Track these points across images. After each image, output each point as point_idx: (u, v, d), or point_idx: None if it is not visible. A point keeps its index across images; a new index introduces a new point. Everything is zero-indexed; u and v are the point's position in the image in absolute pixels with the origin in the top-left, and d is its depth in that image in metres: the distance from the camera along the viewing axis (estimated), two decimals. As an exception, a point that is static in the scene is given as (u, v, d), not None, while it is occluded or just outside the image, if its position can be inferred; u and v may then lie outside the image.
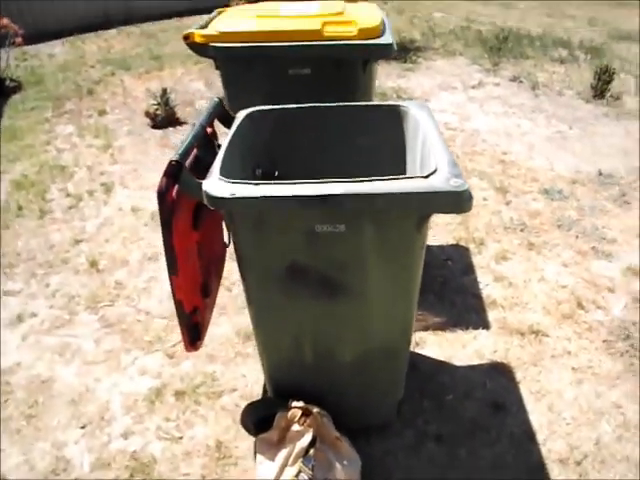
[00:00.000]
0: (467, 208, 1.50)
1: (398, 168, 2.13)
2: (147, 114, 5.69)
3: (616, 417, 2.40)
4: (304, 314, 1.90)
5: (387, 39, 2.50)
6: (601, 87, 6.07)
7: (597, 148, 4.95)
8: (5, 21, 7.90)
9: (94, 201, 4.29)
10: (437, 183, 1.50)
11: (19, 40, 7.96)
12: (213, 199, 1.56)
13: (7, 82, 7.57)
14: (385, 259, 1.69)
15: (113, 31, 10.90)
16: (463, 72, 7.13)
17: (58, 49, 10.04)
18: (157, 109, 5.62)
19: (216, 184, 1.59)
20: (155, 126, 5.63)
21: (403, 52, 7.77)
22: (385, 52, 2.52)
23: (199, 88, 6.83)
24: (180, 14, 11.36)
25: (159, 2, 11.87)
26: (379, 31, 2.53)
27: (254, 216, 1.63)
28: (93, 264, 3.49)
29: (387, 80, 6.73)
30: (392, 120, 2.14)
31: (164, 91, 5.74)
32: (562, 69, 7.20)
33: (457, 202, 1.50)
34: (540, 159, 4.74)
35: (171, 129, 5.59)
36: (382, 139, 2.18)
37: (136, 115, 6.02)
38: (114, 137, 5.51)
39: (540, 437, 2.31)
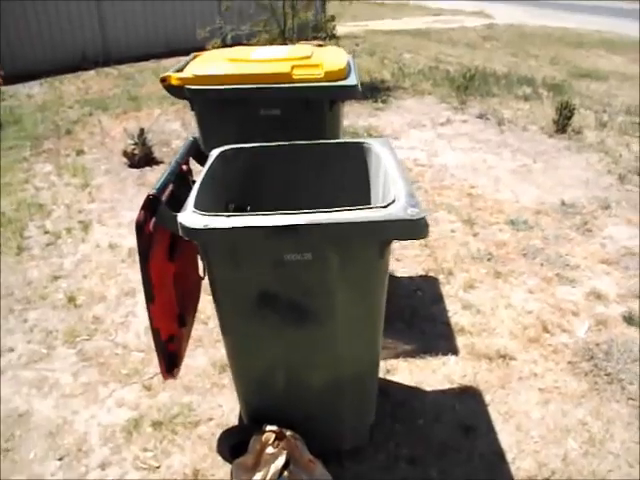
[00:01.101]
0: (423, 235, 1.63)
1: (364, 200, 2.25)
2: (124, 154, 5.80)
3: (582, 434, 2.50)
4: (275, 341, 1.98)
5: (352, 81, 2.66)
6: (563, 122, 6.36)
7: (560, 179, 5.17)
8: (-16, 63, 8.01)
9: (72, 238, 4.35)
10: (395, 212, 1.63)
11: (-2, 80, 8.09)
12: (188, 230, 1.67)
13: (-15, 122, 7.64)
14: (350, 285, 1.80)
15: (91, 72, 11.07)
16: (432, 110, 7.40)
17: (37, 89, 10.16)
18: (134, 149, 5.73)
19: (190, 216, 1.70)
20: (132, 165, 5.74)
21: (374, 92, 8.05)
22: (350, 93, 2.68)
23: (175, 128, 6.97)
24: (157, 56, 11.60)
25: (137, 45, 12.13)
26: (345, 73, 2.69)
27: (226, 246, 1.74)
28: (71, 299, 3.54)
29: (358, 119, 6.95)
30: (357, 156, 2.28)
31: (141, 131, 5.87)
32: (526, 106, 7.52)
33: (414, 229, 1.62)
34: (506, 192, 4.93)
35: (148, 168, 5.70)
36: (348, 174, 2.31)
37: (114, 154, 6.13)
38: (92, 176, 5.60)
39: (509, 456, 2.39)
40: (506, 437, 2.48)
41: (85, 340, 3.19)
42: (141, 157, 5.74)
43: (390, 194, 1.78)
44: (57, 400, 2.78)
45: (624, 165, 5.44)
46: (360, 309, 1.89)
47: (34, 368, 3.00)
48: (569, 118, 6.35)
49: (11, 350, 3.14)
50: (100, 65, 11.36)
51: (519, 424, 2.55)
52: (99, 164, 5.95)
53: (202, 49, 3.97)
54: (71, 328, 3.29)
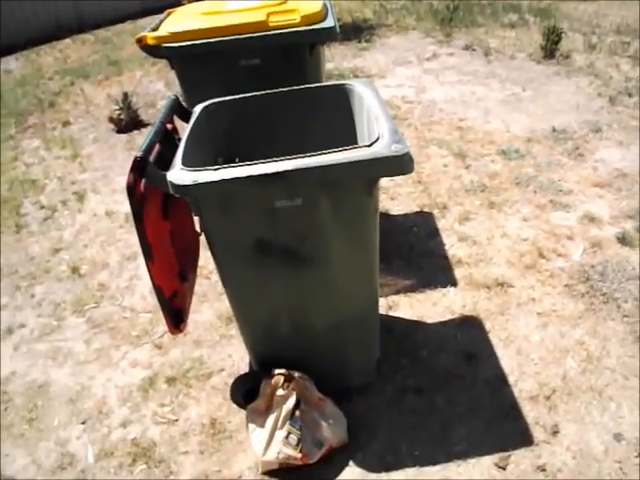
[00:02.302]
0: (408, 170, 1.65)
1: (350, 141, 2.25)
2: (111, 120, 5.75)
3: (580, 353, 2.58)
4: (275, 288, 2.04)
5: (329, 23, 2.63)
6: (550, 47, 6.25)
7: (550, 106, 5.13)
8: (-43, 42, 7.86)
9: (68, 210, 4.37)
10: (379, 150, 1.65)
11: (-28, 60, 7.94)
12: (178, 187, 1.70)
13: (-35, 102, 7.55)
14: (342, 226, 1.84)
15: (67, 40, 10.83)
16: (417, 46, 7.26)
17: (13, 64, 9.98)
18: (120, 114, 5.68)
19: (179, 173, 1.73)
20: (120, 131, 5.69)
21: (357, 32, 7.88)
22: (328, 35, 2.65)
23: (159, 89, 6.88)
24: (132, 17, 11.32)
25: (111, 7, 11.81)
26: (321, 16, 2.66)
27: (217, 199, 1.77)
28: (75, 270, 3.59)
29: (343, 61, 6.84)
30: (339, 98, 2.28)
31: (125, 95, 5.80)
32: (513, 33, 7.36)
33: (399, 165, 1.65)
34: (496, 122, 4.91)
35: (136, 132, 5.66)
36: (332, 117, 2.32)
37: (100, 122, 6.07)
38: (81, 146, 5.57)
39: (511, 379, 2.48)
40: (507, 361, 2.57)
41: (93, 308, 3.27)
42: (128, 121, 5.69)
43: (374, 133, 1.79)
44: (73, 368, 2.87)
45: (614, 87, 5.37)
46: (354, 249, 1.93)
47: (47, 340, 3.08)
48: (557, 43, 6.23)
49: (22, 326, 3.22)
50: (75, 32, 11.09)
51: (519, 348, 2.63)
52: (86, 133, 5.90)
53: (178, 5, 3.89)
54: (78, 298, 3.36)
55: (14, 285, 3.58)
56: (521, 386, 2.45)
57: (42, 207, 4.49)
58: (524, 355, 2.60)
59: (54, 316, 3.25)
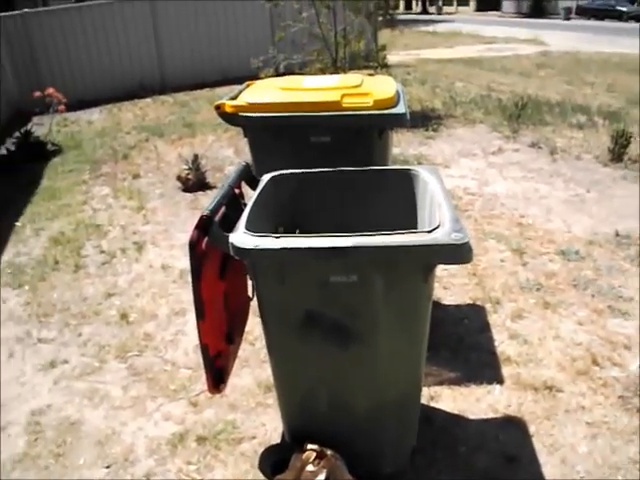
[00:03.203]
0: (467, 259, 1.65)
1: (410, 226, 2.28)
2: (179, 178, 6.01)
3: (633, 472, 2.41)
4: (319, 361, 2.03)
5: (401, 109, 2.72)
6: (618, 151, 6.22)
7: (614, 210, 5.05)
8: (51, 90, 8.53)
9: (126, 258, 4.53)
10: (439, 237, 1.66)
11: (62, 108, 8.61)
12: (238, 250, 1.75)
13: (48, 146, 8.11)
14: (394, 308, 1.83)
15: (148, 100, 11.55)
16: (483, 139, 7.37)
17: (96, 116, 10.67)
18: (188, 174, 5.93)
19: (241, 237, 1.78)
20: (186, 190, 5.94)
21: (425, 120, 8.08)
22: (399, 121, 2.74)
23: (228, 155, 7.18)
24: (211, 85, 12.01)
25: (192, 73, 12.61)
26: (394, 102, 2.76)
27: (274, 266, 1.80)
28: (124, 316, 3.68)
29: (409, 148, 6.99)
30: (405, 183, 2.32)
31: (195, 157, 6.08)
32: (580, 134, 7.39)
33: (458, 253, 1.65)
34: (557, 221, 4.86)
35: (201, 193, 5.88)
36: (396, 200, 2.36)
37: (168, 179, 6.36)
38: (147, 199, 5.82)
39: (554, 490, 2.34)
40: (550, 470, 2.42)
41: (136, 356, 3.31)
42: (194, 182, 5.93)
43: (435, 220, 1.81)
44: (107, 411, 2.89)
45: (682, 196, 5.27)
46: (403, 332, 1.91)
47: (86, 380, 3.13)
48: (625, 147, 6.21)
49: (65, 362, 3.29)
50: (157, 93, 11.86)
51: (564, 457, 2.49)
52: (154, 188, 6.18)
53: (256, 78, 4.12)
54: (123, 343, 3.41)
55: (64, 322, 3.70)
56: (563, 500, 2.31)
57: (102, 252, 4.67)
58: (569, 466, 2.45)
59: (97, 357, 3.31)
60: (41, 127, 8.97)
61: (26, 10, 12.10)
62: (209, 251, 1.89)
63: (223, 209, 2.08)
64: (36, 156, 7.63)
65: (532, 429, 2.64)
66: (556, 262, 4.16)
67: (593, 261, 4.14)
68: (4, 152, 7.78)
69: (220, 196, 2.09)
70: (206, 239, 1.87)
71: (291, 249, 1.70)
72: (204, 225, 1.87)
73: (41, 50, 12.05)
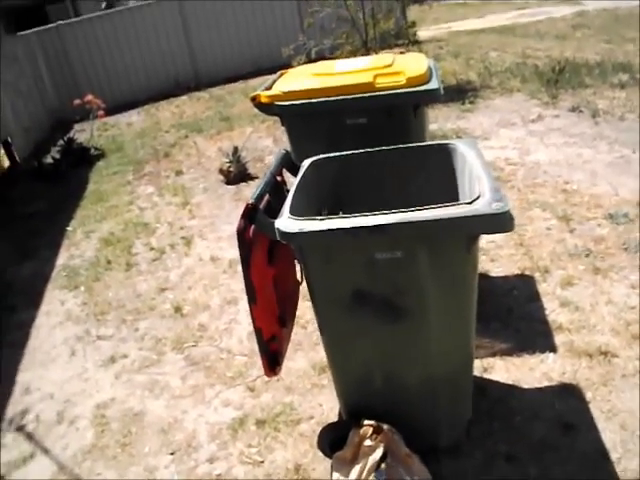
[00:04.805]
0: (509, 228, 1.67)
1: (451, 199, 2.29)
2: (220, 172, 6.12)
3: (697, 433, 2.39)
4: (370, 338, 2.07)
5: (433, 85, 2.72)
6: (665, 108, 6.01)
7: (663, 169, 4.90)
8: (90, 97, 8.79)
9: (176, 253, 4.66)
10: (480, 207, 1.68)
11: (101, 113, 8.87)
12: (284, 234, 1.80)
13: (91, 151, 8.37)
14: (440, 281, 1.86)
15: (184, 97, 11.72)
16: (521, 108, 7.21)
17: (135, 117, 10.91)
18: (229, 166, 6.03)
19: (286, 222, 1.84)
20: (228, 182, 6.04)
21: (461, 94, 7.95)
22: (432, 96, 2.73)
23: (267, 145, 7.25)
24: (245, 77, 12.09)
25: (225, 68, 12.72)
26: (426, 78, 2.75)
27: (320, 248, 1.86)
28: (177, 309, 3.80)
29: (446, 122, 6.90)
30: (443, 157, 2.33)
31: (235, 149, 6.17)
32: (623, 94, 7.14)
33: (499, 223, 1.67)
34: (603, 185, 4.74)
35: (243, 184, 5.98)
36: (435, 175, 2.37)
37: (210, 173, 6.48)
38: (191, 195, 5.95)
39: (614, 455, 2.32)
40: (610, 436, 2.41)
41: (192, 346, 3.43)
42: (236, 174, 6.03)
43: (475, 191, 1.82)
44: (168, 401, 3.02)
45: None
46: (451, 305, 1.94)
47: (146, 372, 3.27)
48: (672, 102, 5.99)
49: (125, 356, 3.44)
50: (192, 90, 12.03)
51: (624, 423, 2.46)
52: (197, 183, 6.31)
53: (288, 66, 4.15)
54: (178, 335, 3.54)
55: (120, 318, 3.86)
56: (625, 465, 2.28)
57: (152, 249, 4.81)
58: (629, 431, 2.43)
59: (155, 350, 3.45)
60: (83, 133, 9.26)
61: (60, 22, 12.44)
62: (256, 238, 1.96)
63: (267, 197, 2.14)
64: (80, 161, 7.90)
65: (588, 396, 2.62)
66: (604, 226, 4.07)
67: (643, 223, 4.04)
68: (50, 160, 8.07)
69: (263, 185, 2.15)
70: (253, 227, 1.93)
71: (335, 230, 1.75)
72: (250, 213, 1.94)
73: (77, 59, 12.37)
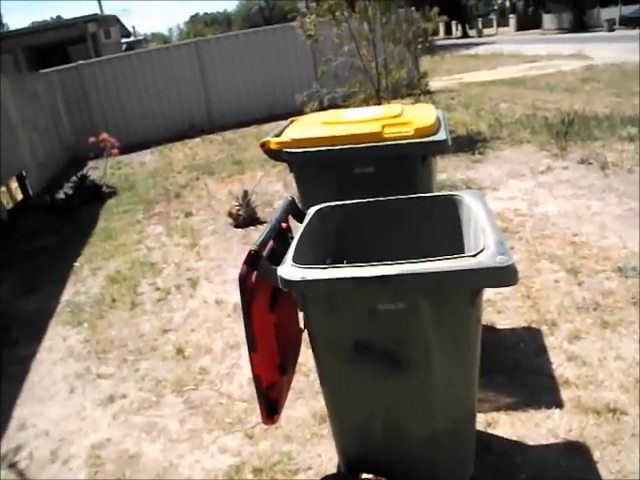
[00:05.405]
0: (513, 282, 1.65)
1: (456, 251, 2.29)
2: (230, 215, 6.16)
3: None
4: (371, 390, 2.04)
5: (441, 136, 2.74)
6: (673, 162, 6.03)
7: (672, 223, 4.88)
8: (104, 135, 8.97)
9: (181, 294, 4.66)
10: (484, 260, 1.67)
11: (115, 151, 9.05)
12: (287, 282, 1.80)
13: (104, 188, 8.50)
14: (443, 334, 1.84)
15: (197, 139, 11.93)
16: (531, 159, 7.26)
17: (148, 157, 11.09)
18: (239, 210, 6.07)
19: (289, 269, 1.83)
20: (237, 225, 6.07)
21: (471, 144, 8.01)
22: (440, 147, 2.76)
23: (278, 189, 7.31)
24: (258, 122, 12.30)
25: (239, 112, 12.97)
26: (434, 129, 2.78)
27: (323, 296, 1.84)
28: (179, 351, 3.78)
29: (456, 172, 6.94)
30: (448, 209, 2.33)
31: (245, 193, 6.23)
32: (632, 147, 7.17)
33: (503, 276, 1.66)
34: (612, 238, 4.72)
35: (252, 228, 6.00)
36: (441, 226, 2.37)
37: (219, 216, 6.52)
38: (199, 236, 5.99)
39: (623, 520, 2.25)
40: (619, 498, 2.34)
41: (192, 390, 3.38)
42: (245, 217, 6.06)
43: (480, 243, 1.82)
44: (165, 444, 2.96)
45: None
46: (454, 357, 1.91)
47: (144, 414, 3.22)
48: (680, 158, 6.02)
49: (124, 397, 3.40)
50: (205, 132, 12.25)
51: (634, 486, 2.40)
52: (206, 225, 6.35)
53: (301, 112, 4.23)
54: (179, 378, 3.50)
55: (122, 358, 3.83)
56: (635, 530, 2.21)
57: (157, 289, 4.81)
58: (639, 495, 2.36)
59: (154, 392, 3.41)
60: (96, 170, 9.41)
61: (80, 62, 12.81)
62: (259, 285, 1.95)
63: (271, 243, 2.14)
64: (92, 198, 8.01)
65: (596, 455, 2.55)
66: (613, 280, 4.04)
67: (652, 277, 4.00)
68: (62, 196, 8.18)
69: (268, 231, 2.16)
70: (255, 273, 1.93)
71: (338, 279, 1.74)
72: (253, 260, 1.94)
73: (94, 98, 12.70)
